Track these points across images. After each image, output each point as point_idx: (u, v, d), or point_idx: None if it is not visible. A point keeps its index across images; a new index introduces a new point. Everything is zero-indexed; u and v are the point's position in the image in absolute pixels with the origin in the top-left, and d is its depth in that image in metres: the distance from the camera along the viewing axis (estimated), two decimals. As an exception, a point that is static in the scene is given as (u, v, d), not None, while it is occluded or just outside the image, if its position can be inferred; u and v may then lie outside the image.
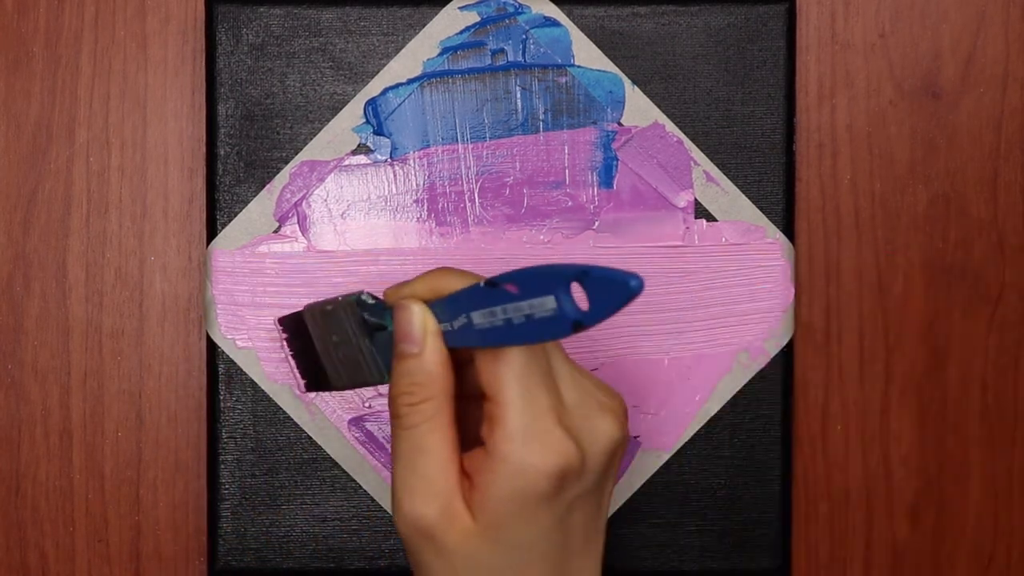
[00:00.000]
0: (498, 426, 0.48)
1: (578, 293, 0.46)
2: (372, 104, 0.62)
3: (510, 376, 0.48)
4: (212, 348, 0.62)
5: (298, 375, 0.57)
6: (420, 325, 0.50)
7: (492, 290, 0.48)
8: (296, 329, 0.56)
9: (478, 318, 0.48)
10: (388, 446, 0.62)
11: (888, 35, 0.64)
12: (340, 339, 0.54)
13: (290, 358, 0.57)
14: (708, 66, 0.62)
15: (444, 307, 0.50)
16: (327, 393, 0.61)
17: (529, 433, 0.48)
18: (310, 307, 0.55)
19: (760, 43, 0.62)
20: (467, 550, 0.49)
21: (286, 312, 0.57)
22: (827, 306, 0.64)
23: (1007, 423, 0.65)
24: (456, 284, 0.50)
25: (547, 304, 0.46)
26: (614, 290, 0.45)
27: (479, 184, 0.62)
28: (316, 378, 0.56)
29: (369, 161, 0.62)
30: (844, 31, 0.64)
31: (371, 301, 0.52)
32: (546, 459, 0.48)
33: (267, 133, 0.62)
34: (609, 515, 0.62)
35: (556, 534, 0.49)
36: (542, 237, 0.62)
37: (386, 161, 0.62)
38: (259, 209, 0.62)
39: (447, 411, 0.50)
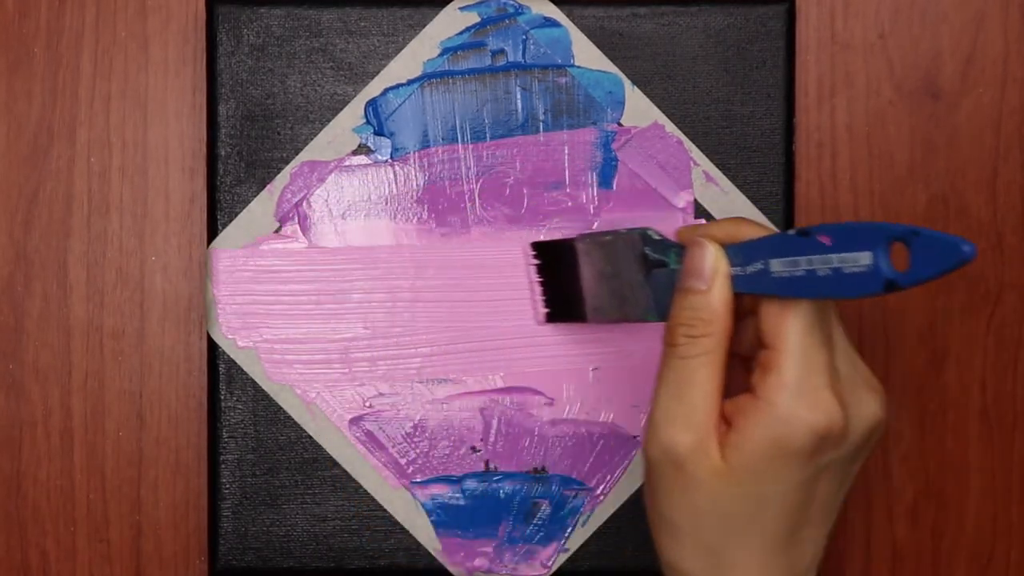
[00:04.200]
0: (772, 374, 0.49)
1: (897, 255, 0.45)
2: (372, 104, 0.62)
3: (795, 327, 0.49)
4: (213, 348, 0.62)
5: (540, 303, 0.58)
6: (712, 263, 0.51)
7: (800, 239, 0.48)
8: (551, 257, 0.57)
9: (777, 265, 0.49)
10: (388, 446, 0.62)
11: (888, 35, 0.64)
12: (612, 271, 0.55)
13: (536, 284, 0.59)
14: (708, 66, 0.62)
15: (738, 252, 0.50)
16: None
17: (802, 387, 0.49)
18: (583, 236, 0.56)
19: (760, 43, 0.62)
20: (711, 487, 0.50)
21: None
22: (827, 306, 0.64)
23: (1007, 423, 0.65)
24: (753, 233, 0.51)
25: (861, 260, 0.46)
26: (943, 254, 0.44)
27: (479, 184, 0.62)
28: (563, 308, 0.57)
29: (370, 161, 0.62)
30: (844, 31, 0.64)
31: (656, 237, 0.53)
32: (814, 415, 0.49)
33: (268, 133, 0.62)
34: (609, 513, 0.62)
35: (799, 495, 0.50)
36: (542, 237, 0.62)
37: (386, 161, 0.62)
38: (260, 209, 0.62)
39: (722, 351, 0.51)
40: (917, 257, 0.45)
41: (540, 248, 0.60)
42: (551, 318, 0.59)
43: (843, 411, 0.49)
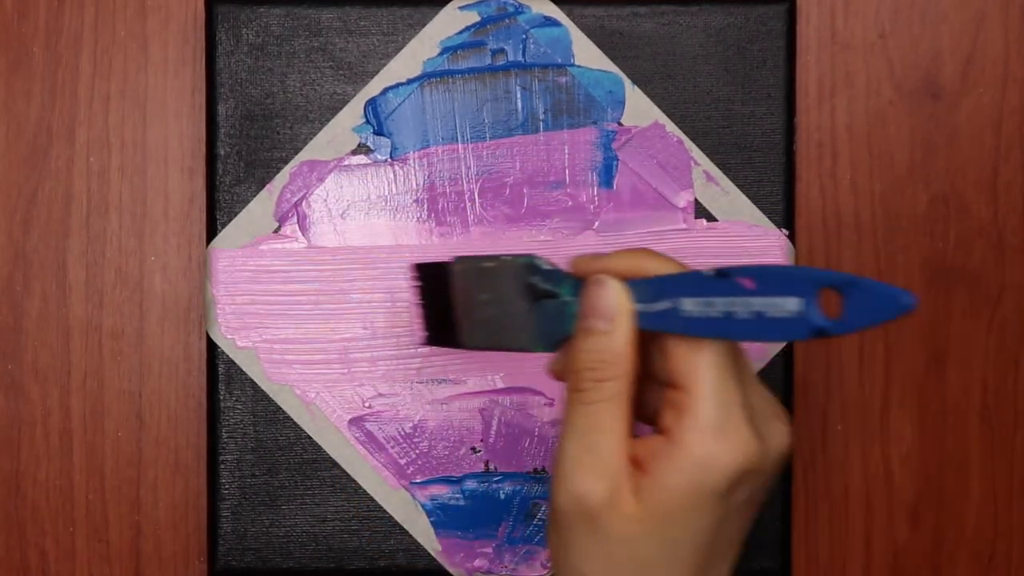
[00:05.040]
0: (687, 416, 0.47)
1: (827, 300, 0.44)
2: (372, 104, 0.62)
3: (709, 368, 0.47)
4: (212, 348, 0.62)
5: (420, 326, 0.56)
6: (615, 303, 0.49)
7: (719, 281, 0.46)
8: (432, 278, 0.54)
9: (690, 305, 0.47)
10: (388, 446, 0.62)
11: (888, 35, 0.64)
12: (491, 298, 0.52)
13: (417, 306, 0.56)
14: (708, 66, 0.62)
15: (644, 288, 0.48)
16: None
17: (720, 428, 0.47)
18: (462, 260, 0.53)
19: (760, 43, 0.62)
20: (625, 536, 0.48)
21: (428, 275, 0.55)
22: (827, 306, 0.64)
23: (1007, 423, 0.65)
24: (658, 267, 0.49)
25: (787, 305, 0.45)
26: (882, 304, 0.43)
27: (479, 184, 0.62)
28: (442, 332, 0.54)
29: (369, 161, 0.62)
30: (844, 31, 0.64)
31: (546, 267, 0.51)
32: (734, 456, 0.47)
33: (267, 133, 0.62)
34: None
35: (710, 534, 0.48)
36: (542, 237, 0.62)
37: (386, 161, 0.62)
38: (259, 209, 0.62)
39: (628, 393, 0.49)
40: (852, 306, 0.43)
41: (421, 269, 0.56)
42: (429, 341, 0.56)
43: (761, 446, 0.48)
